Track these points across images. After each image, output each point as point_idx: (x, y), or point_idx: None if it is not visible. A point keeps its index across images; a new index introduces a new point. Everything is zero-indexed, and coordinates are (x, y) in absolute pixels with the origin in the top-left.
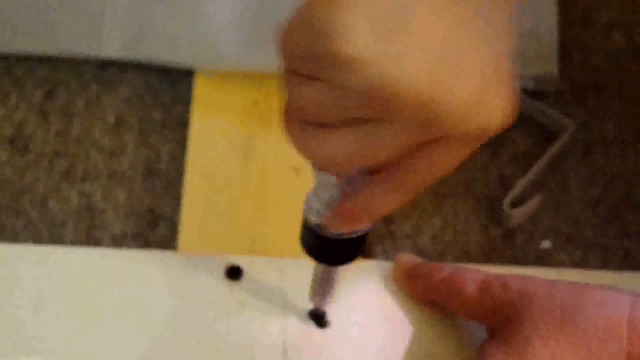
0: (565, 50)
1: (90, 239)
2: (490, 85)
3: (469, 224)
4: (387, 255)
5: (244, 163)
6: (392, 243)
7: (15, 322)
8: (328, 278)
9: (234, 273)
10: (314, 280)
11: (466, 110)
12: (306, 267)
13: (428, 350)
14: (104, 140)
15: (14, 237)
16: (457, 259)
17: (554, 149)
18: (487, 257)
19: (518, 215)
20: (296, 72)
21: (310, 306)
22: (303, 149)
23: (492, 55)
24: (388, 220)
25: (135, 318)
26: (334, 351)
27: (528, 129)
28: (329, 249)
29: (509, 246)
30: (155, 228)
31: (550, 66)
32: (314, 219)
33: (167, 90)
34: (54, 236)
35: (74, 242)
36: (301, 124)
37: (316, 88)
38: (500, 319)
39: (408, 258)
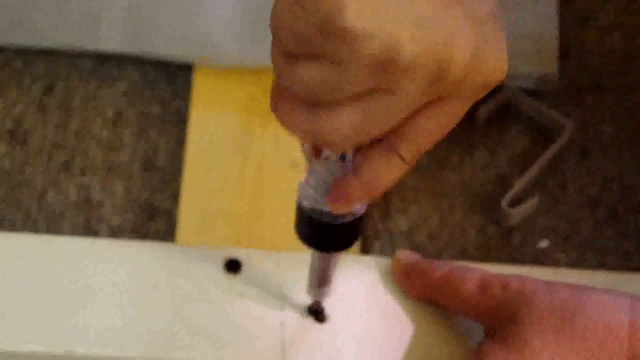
0: (564, 51)
1: (88, 232)
2: (484, 43)
3: (467, 223)
4: (384, 253)
5: (242, 157)
6: (389, 240)
7: (13, 311)
8: (325, 268)
9: (233, 266)
10: (310, 271)
11: (467, 68)
12: (304, 261)
13: (426, 346)
14: (103, 133)
15: (12, 229)
16: (454, 257)
17: (553, 149)
18: (485, 256)
19: (516, 214)
20: (290, 53)
21: (308, 301)
22: (298, 128)
23: (481, 14)
24: (385, 217)
25: (134, 310)
26: (332, 345)
27: (526, 129)
28: (324, 234)
29: (507, 245)
30: (153, 221)
31: (550, 66)
32: (308, 205)
33: (165, 84)
34: (52, 228)
35: (72, 235)
36: (294, 104)
37: (315, 66)
38: (499, 318)
39: (406, 255)
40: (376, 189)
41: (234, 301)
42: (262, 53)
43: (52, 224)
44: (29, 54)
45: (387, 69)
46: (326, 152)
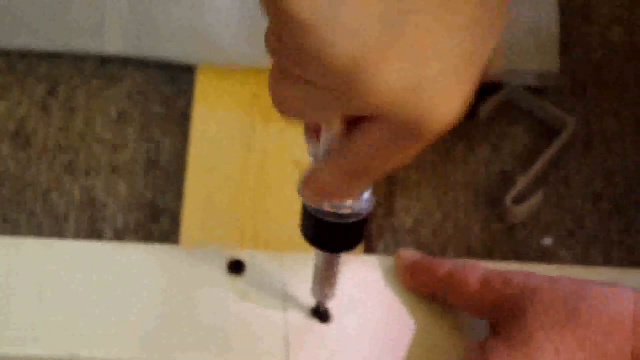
0: (565, 46)
1: (92, 232)
2: (440, 77)
3: (471, 220)
4: (388, 251)
5: (245, 157)
6: (393, 238)
7: (17, 315)
8: (329, 268)
9: (236, 267)
10: (315, 272)
11: (401, 93)
12: (308, 262)
13: (430, 344)
14: (106, 134)
15: (16, 231)
16: (459, 255)
17: (556, 145)
18: (489, 253)
19: (520, 211)
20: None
21: (312, 302)
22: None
23: (454, 47)
24: (389, 214)
25: (138, 312)
26: (336, 345)
27: (528, 125)
28: (329, 235)
29: (511, 242)
30: (157, 221)
31: (551, 62)
32: (313, 205)
33: (168, 85)
34: (56, 230)
35: (77, 236)
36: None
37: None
38: (503, 314)
39: (410, 253)
40: (330, 195)
41: (238, 302)
42: (264, 52)
43: (56, 225)
44: (32, 57)
45: (310, 60)
46: None
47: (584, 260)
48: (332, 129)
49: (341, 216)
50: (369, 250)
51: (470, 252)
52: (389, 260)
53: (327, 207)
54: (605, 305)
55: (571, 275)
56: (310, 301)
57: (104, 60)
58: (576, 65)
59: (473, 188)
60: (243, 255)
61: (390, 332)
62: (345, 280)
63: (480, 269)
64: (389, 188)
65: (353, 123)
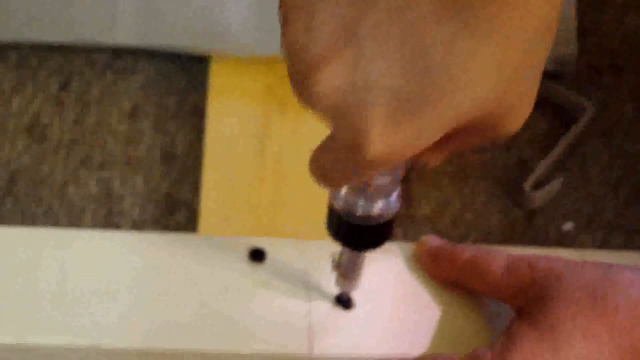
0: (581, 32)
1: (109, 226)
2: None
3: (489, 207)
4: (407, 239)
5: (262, 147)
6: (412, 226)
7: (38, 305)
8: (354, 263)
9: (257, 255)
10: (340, 265)
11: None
12: (329, 249)
13: (453, 330)
14: (120, 127)
15: (34, 224)
16: (478, 242)
17: (574, 131)
18: (508, 240)
19: (539, 197)
20: None
21: (334, 287)
22: None
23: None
24: (407, 203)
25: (158, 302)
26: (359, 331)
27: (546, 112)
28: (355, 234)
29: (530, 228)
30: (174, 213)
31: (568, 48)
32: (339, 207)
33: (181, 76)
34: (73, 223)
35: (94, 228)
36: None
37: None
38: (528, 299)
39: (432, 239)
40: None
41: (259, 291)
42: (278, 42)
43: (73, 219)
44: (43, 50)
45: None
46: None
47: (605, 245)
48: None
49: (370, 218)
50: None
51: (490, 239)
52: (410, 247)
53: (357, 209)
54: (632, 289)
55: (593, 259)
56: (333, 288)
57: (116, 53)
58: (593, 51)
59: (491, 175)
60: (263, 243)
61: (413, 318)
62: (366, 267)
63: (504, 254)
64: (405, 176)
65: None
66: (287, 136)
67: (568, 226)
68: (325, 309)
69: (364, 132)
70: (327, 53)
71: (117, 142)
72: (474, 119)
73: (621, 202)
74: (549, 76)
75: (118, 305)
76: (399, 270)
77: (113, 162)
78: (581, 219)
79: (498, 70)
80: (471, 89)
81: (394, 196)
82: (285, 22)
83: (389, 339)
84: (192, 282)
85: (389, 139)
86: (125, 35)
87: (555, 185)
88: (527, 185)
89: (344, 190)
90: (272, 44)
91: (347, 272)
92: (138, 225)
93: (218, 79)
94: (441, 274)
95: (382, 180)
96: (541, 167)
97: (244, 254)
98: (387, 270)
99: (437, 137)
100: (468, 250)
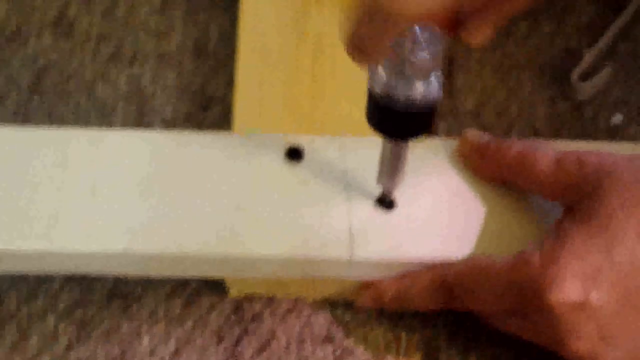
0: None
1: (140, 124)
2: None
3: (535, 98)
4: (450, 133)
5: (299, 39)
6: (455, 120)
7: (69, 211)
8: (397, 156)
9: (294, 154)
10: (381, 161)
11: None
12: (369, 146)
13: (499, 228)
14: (151, 21)
15: (62, 123)
16: (524, 135)
17: (624, 17)
18: (555, 133)
19: (587, 88)
20: None
21: (375, 188)
22: None
23: None
24: (450, 95)
25: (194, 203)
26: (401, 230)
27: None
28: (397, 122)
29: (578, 120)
30: (207, 110)
31: None
32: (380, 91)
33: None
34: (103, 122)
35: (124, 127)
36: None
37: None
38: (578, 195)
39: (476, 134)
40: None
41: (297, 191)
42: None
43: (103, 117)
44: None
45: None
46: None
47: None
48: None
49: (410, 102)
50: (430, 133)
51: (536, 133)
52: (454, 143)
53: (398, 93)
54: None
55: None
56: (374, 187)
57: None
58: None
59: (537, 65)
60: (301, 140)
61: (457, 219)
62: (409, 165)
63: (552, 150)
64: (448, 68)
65: None
66: (325, 26)
67: (617, 118)
68: (366, 210)
69: None
70: None
71: (147, 36)
72: None
73: None
74: None
75: (150, 208)
76: (442, 168)
77: (143, 58)
78: (631, 110)
79: None
80: None
81: (435, 81)
82: None
83: (432, 241)
84: (227, 183)
85: None
86: None
87: (604, 74)
88: (575, 75)
89: (382, 72)
90: None
91: (389, 167)
92: (170, 123)
93: None
94: (486, 171)
95: (419, 56)
96: (589, 56)
97: (281, 152)
98: (429, 168)
99: None
100: (515, 146)
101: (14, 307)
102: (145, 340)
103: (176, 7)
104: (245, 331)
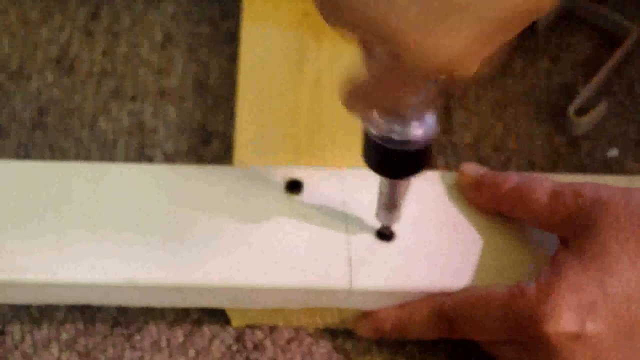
0: None
1: (142, 158)
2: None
3: (532, 133)
4: (448, 167)
5: (298, 75)
6: (453, 154)
7: (71, 241)
8: (393, 193)
9: (294, 186)
10: (379, 196)
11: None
12: (368, 177)
13: (497, 259)
14: (152, 57)
15: (64, 158)
16: (521, 169)
17: (619, 53)
18: (553, 166)
19: (583, 123)
20: None
21: (374, 218)
22: None
23: None
24: (448, 130)
25: (195, 235)
26: (400, 262)
27: (589, 35)
28: (392, 161)
29: (575, 154)
30: (208, 145)
31: None
32: (376, 132)
33: (214, 4)
34: (104, 156)
35: (126, 161)
36: None
37: None
38: (574, 227)
39: (473, 167)
40: None
41: (297, 223)
42: None
43: (105, 152)
44: None
45: None
46: None
47: None
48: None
49: (406, 142)
50: (429, 166)
51: (533, 166)
52: (451, 175)
53: (392, 134)
54: None
55: None
56: (373, 217)
57: None
58: None
59: (534, 101)
60: (301, 173)
61: (455, 250)
62: (408, 197)
63: (549, 182)
64: (446, 104)
65: None
66: (323, 64)
67: (613, 152)
68: (365, 240)
69: (404, 35)
70: None
71: (148, 73)
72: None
73: None
74: None
75: (152, 240)
76: (441, 200)
77: (145, 93)
78: (627, 144)
79: None
80: None
81: (431, 120)
82: None
83: (431, 271)
84: (228, 215)
85: (429, 41)
86: None
87: (600, 110)
88: (571, 110)
89: (378, 115)
90: None
91: (387, 203)
92: (171, 158)
93: (252, 5)
94: (484, 202)
95: (413, 99)
96: (585, 92)
97: (281, 185)
98: (428, 199)
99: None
100: (512, 178)
101: (18, 336)
102: None
103: (177, 45)
104: None
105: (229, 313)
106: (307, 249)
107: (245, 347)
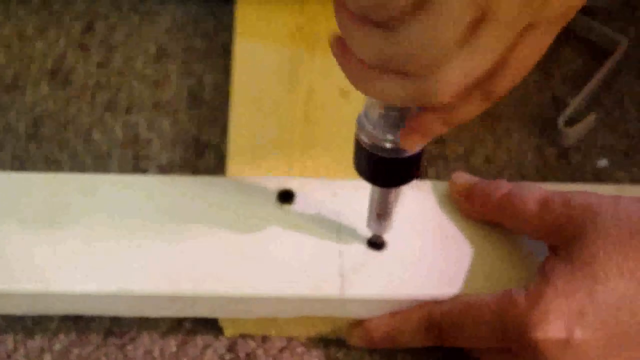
0: None
1: (136, 170)
2: None
3: (523, 145)
4: (440, 179)
5: (290, 88)
6: (444, 165)
7: (65, 252)
8: (385, 202)
9: (286, 197)
10: (370, 205)
11: None
12: (359, 188)
13: (487, 268)
14: (146, 70)
15: (59, 169)
16: (512, 180)
17: (608, 66)
18: (543, 177)
19: (573, 134)
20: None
21: (365, 226)
22: (401, 101)
23: None
24: (440, 142)
25: (186, 245)
26: (392, 271)
27: (578, 48)
28: (383, 170)
29: (565, 165)
30: (202, 156)
31: None
32: (367, 140)
33: (208, 18)
34: (99, 168)
35: (120, 173)
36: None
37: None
38: (563, 235)
39: (464, 177)
40: (459, 122)
41: (289, 233)
42: None
43: (99, 163)
44: None
45: None
46: None
47: None
48: None
49: (397, 151)
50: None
51: (524, 177)
52: (443, 185)
53: (384, 143)
54: None
55: (631, 195)
56: (364, 227)
57: None
58: None
59: (524, 113)
60: (292, 183)
61: (446, 259)
62: (399, 206)
63: (539, 190)
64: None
65: None
66: (316, 76)
67: (603, 163)
68: (357, 250)
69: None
70: None
71: (143, 86)
72: None
73: None
74: (583, 11)
75: (145, 250)
76: (432, 209)
77: (139, 106)
78: (616, 155)
79: None
80: None
81: None
82: None
83: (422, 280)
84: (221, 225)
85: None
86: None
87: (589, 121)
88: (561, 121)
89: (369, 124)
90: None
91: (377, 212)
92: (165, 170)
93: (245, 19)
94: (475, 211)
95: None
96: (575, 103)
97: (273, 195)
98: (419, 208)
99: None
100: (502, 187)
101: (11, 347)
102: None
103: (171, 58)
104: None
105: (221, 323)
106: (299, 259)
107: (238, 356)
